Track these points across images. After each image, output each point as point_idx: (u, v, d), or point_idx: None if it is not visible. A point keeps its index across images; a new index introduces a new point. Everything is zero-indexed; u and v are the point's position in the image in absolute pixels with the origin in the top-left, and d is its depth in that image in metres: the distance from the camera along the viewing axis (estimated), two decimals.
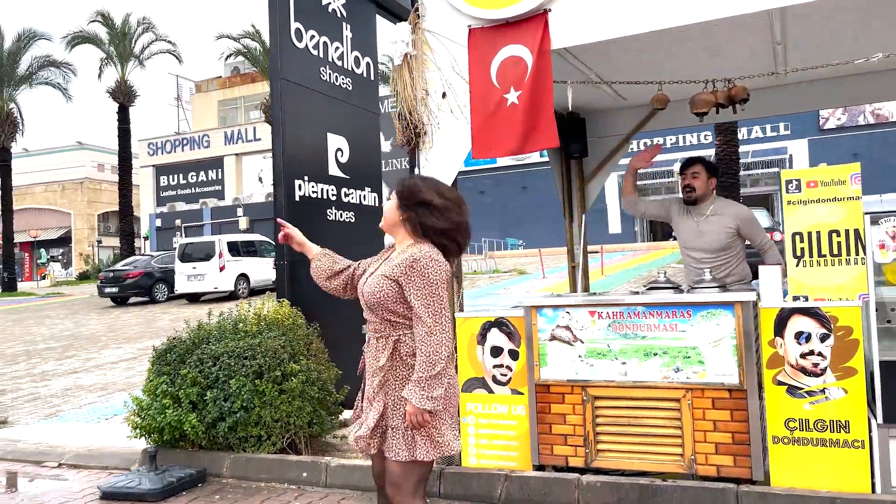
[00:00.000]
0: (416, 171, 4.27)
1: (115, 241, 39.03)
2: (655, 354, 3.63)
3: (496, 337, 4.07)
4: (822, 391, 3.32)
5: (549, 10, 3.80)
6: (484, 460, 4.11)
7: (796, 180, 3.44)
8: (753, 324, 3.51)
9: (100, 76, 31.15)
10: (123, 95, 29.95)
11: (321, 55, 6.25)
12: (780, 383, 3.40)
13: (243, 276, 19.53)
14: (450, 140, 4.13)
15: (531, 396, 3.92)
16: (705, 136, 29.98)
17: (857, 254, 3.31)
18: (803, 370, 3.35)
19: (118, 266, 22.21)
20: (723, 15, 3.48)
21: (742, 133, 29.21)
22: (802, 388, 3.35)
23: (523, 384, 3.98)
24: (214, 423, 4.65)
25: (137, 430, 4.89)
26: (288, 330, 5.02)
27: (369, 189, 6.91)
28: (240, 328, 5.10)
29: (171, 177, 42.13)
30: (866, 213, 3.28)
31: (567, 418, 3.83)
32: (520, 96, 3.85)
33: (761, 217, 14.62)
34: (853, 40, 4.54)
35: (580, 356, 3.78)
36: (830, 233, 3.37)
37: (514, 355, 4.02)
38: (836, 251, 3.36)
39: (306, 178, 5.98)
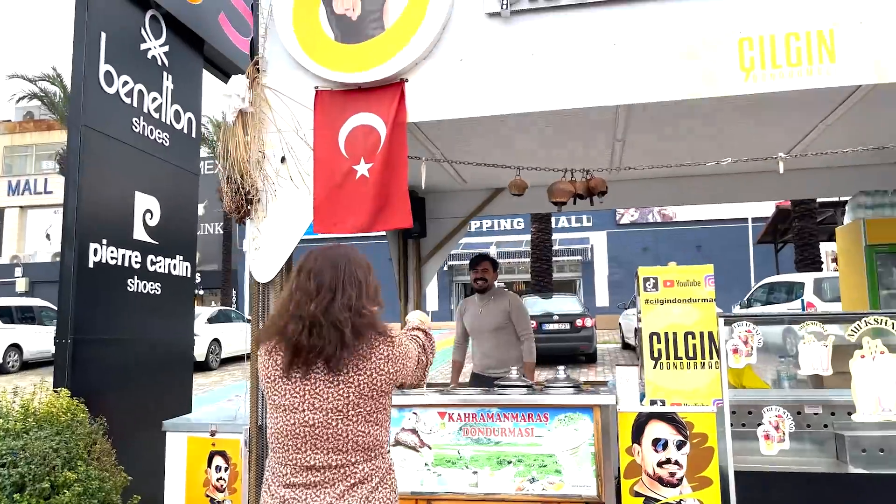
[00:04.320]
0: (236, 240, 3.70)
1: None
2: (510, 462, 3.28)
3: None
4: (679, 503, 3.14)
5: (406, 80, 3.51)
6: None
7: (653, 278, 3.33)
8: (612, 429, 3.30)
9: None
10: None
11: (135, 104, 5.50)
12: (638, 494, 3.18)
13: (15, 347, 16.84)
14: (288, 210, 3.62)
15: None
16: (518, 222, 31.66)
17: (712, 357, 3.24)
18: (660, 480, 3.17)
19: None
20: (569, 106, 3.34)
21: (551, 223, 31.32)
22: (659, 501, 3.16)
23: None
24: None
25: None
26: (65, 428, 4.07)
27: (181, 257, 6.09)
28: (0, 426, 4.05)
29: None
30: (720, 316, 3.24)
31: None
32: (371, 169, 3.47)
33: (573, 303, 15.22)
34: (687, 147, 4.76)
35: (427, 465, 3.33)
36: (686, 334, 3.28)
37: None
38: (691, 354, 3.26)
39: (105, 241, 5.10)
